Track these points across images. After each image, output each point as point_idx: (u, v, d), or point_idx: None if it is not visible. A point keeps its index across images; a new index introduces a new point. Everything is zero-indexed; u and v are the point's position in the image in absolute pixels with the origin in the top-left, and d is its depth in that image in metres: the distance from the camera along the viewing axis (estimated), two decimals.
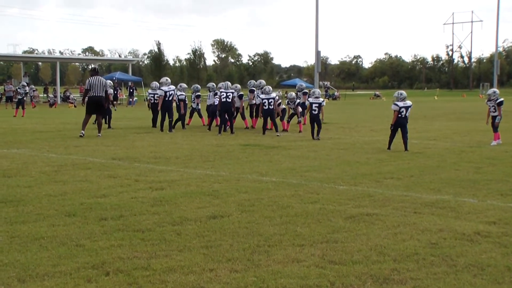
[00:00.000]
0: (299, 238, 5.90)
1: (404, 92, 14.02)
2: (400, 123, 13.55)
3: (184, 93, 19.72)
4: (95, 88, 16.37)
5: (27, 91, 32.67)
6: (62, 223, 6.46)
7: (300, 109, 19.32)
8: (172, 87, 18.64)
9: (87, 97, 16.63)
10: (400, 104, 13.56)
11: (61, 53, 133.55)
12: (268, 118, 17.60)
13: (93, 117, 17.26)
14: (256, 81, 21.23)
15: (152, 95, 20.43)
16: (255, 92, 20.08)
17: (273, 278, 4.75)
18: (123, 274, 4.83)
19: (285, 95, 20.48)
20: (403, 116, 13.54)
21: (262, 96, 17.69)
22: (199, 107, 21.27)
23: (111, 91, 21.31)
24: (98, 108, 16.53)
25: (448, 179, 9.49)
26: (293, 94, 19.81)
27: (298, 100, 19.56)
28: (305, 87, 21.49)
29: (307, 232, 6.15)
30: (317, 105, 16.29)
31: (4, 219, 6.60)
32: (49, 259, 5.18)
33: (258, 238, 5.91)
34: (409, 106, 13.63)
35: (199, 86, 21.83)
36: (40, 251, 5.43)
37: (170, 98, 18.30)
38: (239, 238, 5.90)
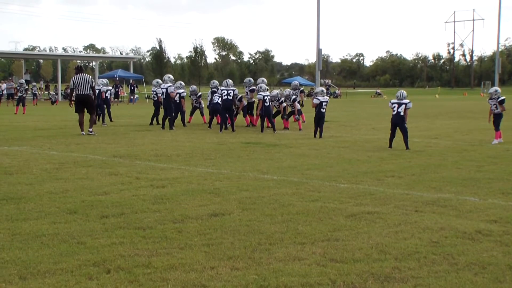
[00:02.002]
0: (300, 236, 5.90)
1: (401, 92, 13.86)
2: (394, 121, 13.53)
3: (184, 90, 19.74)
4: (81, 86, 16.21)
5: (27, 87, 32.79)
6: (63, 220, 6.46)
7: (298, 106, 19.29)
8: (167, 84, 18.54)
9: (74, 96, 16.55)
10: (393, 100, 13.72)
11: (64, 50, 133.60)
12: (266, 117, 17.65)
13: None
14: (254, 80, 21.24)
15: (154, 92, 20.51)
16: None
17: (274, 276, 4.75)
18: (124, 271, 4.84)
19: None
20: (395, 112, 13.52)
21: (262, 93, 17.69)
22: (202, 105, 21.36)
23: (104, 88, 21.34)
24: (87, 105, 16.36)
25: (449, 178, 9.48)
26: (289, 90, 19.73)
27: (294, 97, 19.46)
28: (299, 85, 21.39)
29: (308, 230, 6.14)
30: (326, 103, 16.33)
31: (5, 217, 6.60)
32: (50, 257, 5.19)
33: (259, 236, 5.91)
34: (403, 104, 13.50)
35: (195, 87, 22.37)
36: (41, 248, 5.43)
37: (164, 97, 18.38)
38: (240, 236, 5.90)
